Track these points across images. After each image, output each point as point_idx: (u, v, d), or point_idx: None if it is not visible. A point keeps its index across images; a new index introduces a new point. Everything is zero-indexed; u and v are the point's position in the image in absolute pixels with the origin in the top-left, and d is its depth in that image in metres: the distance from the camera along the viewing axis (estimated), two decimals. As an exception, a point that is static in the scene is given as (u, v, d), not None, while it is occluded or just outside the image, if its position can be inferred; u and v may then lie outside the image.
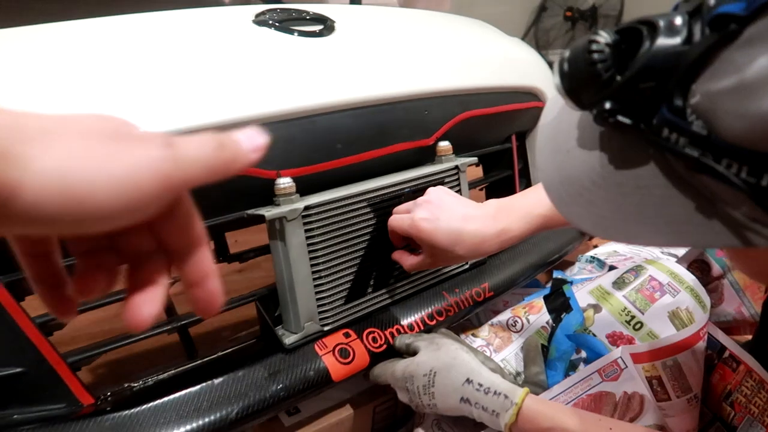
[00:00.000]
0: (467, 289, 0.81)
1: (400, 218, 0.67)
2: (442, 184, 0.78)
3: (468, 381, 0.61)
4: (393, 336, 0.70)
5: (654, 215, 0.31)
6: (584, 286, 0.79)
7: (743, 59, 0.26)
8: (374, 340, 0.69)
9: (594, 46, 0.32)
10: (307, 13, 0.79)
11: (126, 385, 0.59)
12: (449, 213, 0.64)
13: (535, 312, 0.80)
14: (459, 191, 0.80)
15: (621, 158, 0.33)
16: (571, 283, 0.85)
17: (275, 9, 0.78)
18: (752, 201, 0.27)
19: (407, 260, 0.68)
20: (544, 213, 0.66)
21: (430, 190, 0.68)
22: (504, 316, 0.82)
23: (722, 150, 0.27)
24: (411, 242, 0.70)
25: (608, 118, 0.31)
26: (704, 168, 0.28)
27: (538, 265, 0.94)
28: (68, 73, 0.58)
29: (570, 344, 0.75)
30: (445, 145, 0.80)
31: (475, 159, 0.82)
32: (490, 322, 0.83)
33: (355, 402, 0.74)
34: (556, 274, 0.97)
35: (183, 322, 0.63)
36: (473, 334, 0.82)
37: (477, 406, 0.60)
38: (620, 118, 0.30)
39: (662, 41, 0.29)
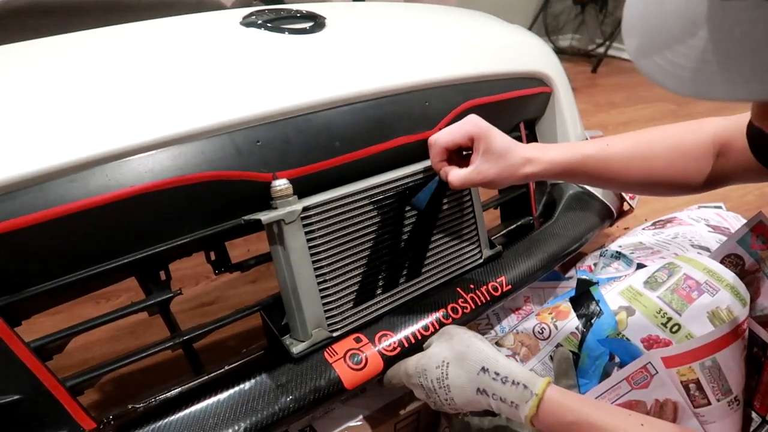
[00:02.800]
0: (483, 284, 0.77)
1: (458, 125, 0.67)
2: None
3: (484, 370, 0.57)
4: (407, 338, 0.67)
5: (745, 62, 0.30)
6: (613, 287, 0.74)
7: None
8: (387, 343, 0.66)
9: None
10: (297, 11, 0.77)
11: (130, 406, 0.56)
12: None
13: (562, 317, 0.75)
14: (467, 183, 0.77)
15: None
16: (597, 283, 0.80)
17: (263, 10, 0.76)
18: None
19: (457, 173, 0.67)
20: (567, 159, 0.68)
21: (470, 117, 0.69)
22: (530, 323, 0.78)
23: None
24: (455, 160, 0.70)
25: None
26: None
27: (557, 255, 0.89)
28: (73, 80, 0.58)
29: (603, 350, 0.70)
30: (448, 136, 0.77)
31: (481, 148, 0.79)
32: (515, 330, 0.79)
33: (375, 419, 0.70)
34: (581, 275, 0.92)
35: (186, 338, 0.60)
36: (498, 343, 0.78)
37: (495, 398, 0.56)
38: None
39: None
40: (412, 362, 0.62)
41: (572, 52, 3.20)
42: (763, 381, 0.67)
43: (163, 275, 0.63)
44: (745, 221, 0.76)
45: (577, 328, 0.73)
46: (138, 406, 0.57)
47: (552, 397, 0.54)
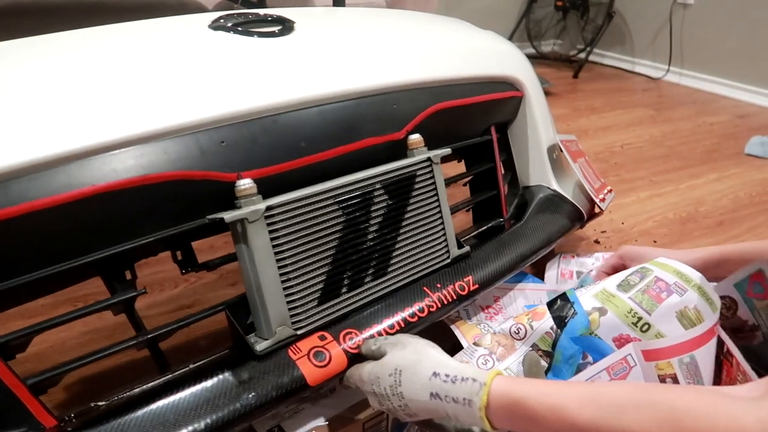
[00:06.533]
0: (450, 283, 0.78)
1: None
2: (415, 177, 0.76)
3: (435, 374, 0.57)
4: (372, 336, 0.68)
5: None
6: (588, 290, 0.77)
7: None
8: (351, 340, 0.66)
9: None
10: (266, 15, 0.78)
11: (92, 404, 0.57)
12: None
13: (538, 318, 0.78)
14: (433, 184, 0.78)
15: None
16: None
17: (232, 14, 0.77)
18: None
19: None
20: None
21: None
22: (507, 324, 0.80)
23: None
24: None
25: None
26: None
27: (526, 256, 0.91)
28: (37, 79, 0.59)
29: (576, 348, 0.72)
30: (416, 137, 0.78)
31: (448, 150, 0.80)
32: (492, 331, 0.81)
33: (344, 419, 0.71)
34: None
35: (149, 336, 0.61)
36: (475, 343, 0.80)
37: (447, 399, 0.56)
38: None
39: None
40: (366, 369, 0.63)
41: (554, 58, 3.24)
42: (722, 379, 0.69)
43: (129, 275, 0.64)
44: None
45: (551, 328, 0.75)
46: (101, 404, 0.57)
47: (500, 383, 0.55)
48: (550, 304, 0.77)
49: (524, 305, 0.94)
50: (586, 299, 0.75)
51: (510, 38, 3.24)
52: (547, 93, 2.79)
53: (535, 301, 0.95)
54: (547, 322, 0.76)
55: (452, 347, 0.79)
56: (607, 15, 3.06)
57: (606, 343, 0.71)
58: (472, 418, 0.55)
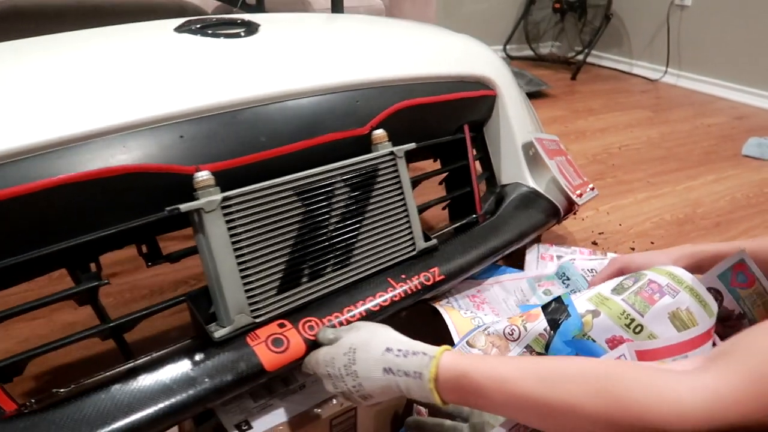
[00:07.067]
0: (415, 274, 0.79)
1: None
2: (377, 171, 0.78)
3: (388, 350, 0.59)
4: (333, 325, 0.69)
5: None
6: (582, 294, 0.78)
7: None
8: (311, 328, 0.68)
9: None
10: (231, 19, 0.81)
11: (54, 390, 0.59)
12: None
13: (532, 320, 0.78)
14: (397, 178, 0.80)
15: None
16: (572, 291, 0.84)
17: (198, 19, 0.80)
18: None
19: None
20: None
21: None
22: (501, 326, 0.81)
23: None
24: None
25: None
26: None
27: (496, 250, 0.92)
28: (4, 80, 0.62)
29: (569, 351, 0.73)
30: (379, 132, 0.80)
31: (412, 145, 0.82)
32: (486, 332, 0.82)
33: (312, 415, 0.72)
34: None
35: (112, 324, 0.63)
36: (469, 344, 0.81)
37: (399, 373, 0.58)
38: None
39: None
40: (322, 352, 0.64)
41: (552, 60, 3.25)
42: None
43: (95, 268, 0.66)
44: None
45: (545, 330, 0.75)
46: (61, 390, 0.59)
47: (449, 357, 0.56)
48: (545, 307, 0.78)
49: (503, 297, 0.95)
50: (581, 303, 0.76)
51: (508, 40, 3.26)
52: (545, 95, 2.80)
53: (515, 290, 0.96)
54: (540, 323, 0.77)
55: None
56: (605, 17, 3.06)
57: (599, 345, 0.71)
58: (423, 391, 0.57)
